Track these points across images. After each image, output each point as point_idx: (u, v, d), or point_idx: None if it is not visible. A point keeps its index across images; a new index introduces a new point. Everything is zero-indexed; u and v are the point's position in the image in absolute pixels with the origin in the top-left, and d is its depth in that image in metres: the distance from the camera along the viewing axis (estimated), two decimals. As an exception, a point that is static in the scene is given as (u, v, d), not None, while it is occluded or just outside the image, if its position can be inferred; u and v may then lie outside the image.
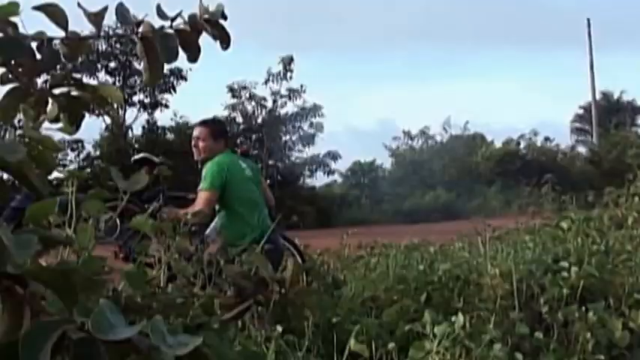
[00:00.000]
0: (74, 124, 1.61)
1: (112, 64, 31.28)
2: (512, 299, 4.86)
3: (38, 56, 1.53)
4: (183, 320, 1.92)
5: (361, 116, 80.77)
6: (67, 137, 2.03)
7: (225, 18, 1.75)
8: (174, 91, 32.70)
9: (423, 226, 20.88)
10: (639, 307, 5.03)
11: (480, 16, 72.88)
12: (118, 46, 30.21)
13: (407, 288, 5.23)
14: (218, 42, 1.77)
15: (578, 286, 5.03)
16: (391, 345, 4.04)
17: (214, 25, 1.73)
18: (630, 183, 9.63)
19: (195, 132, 5.84)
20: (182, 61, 1.73)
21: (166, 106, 33.29)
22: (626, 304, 5.09)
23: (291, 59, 33.79)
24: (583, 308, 4.76)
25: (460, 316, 3.98)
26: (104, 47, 30.20)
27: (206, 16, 1.72)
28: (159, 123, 33.48)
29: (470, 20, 73.09)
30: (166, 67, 1.82)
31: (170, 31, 1.66)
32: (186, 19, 1.68)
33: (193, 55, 1.73)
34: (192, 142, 5.79)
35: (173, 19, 1.66)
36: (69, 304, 1.06)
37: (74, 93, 1.60)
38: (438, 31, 74.26)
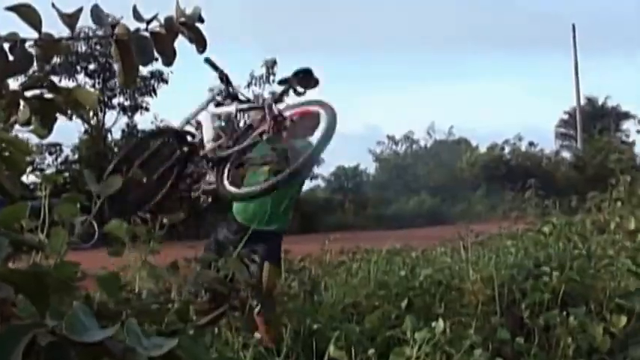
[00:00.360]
0: (46, 127, 1.61)
1: (92, 66, 31.01)
2: (494, 304, 4.90)
3: (11, 58, 1.53)
4: (158, 327, 1.92)
5: (346, 120, 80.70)
6: (45, 140, 2.04)
7: (202, 21, 1.76)
8: (155, 93, 32.51)
9: (407, 231, 20.90)
10: (620, 311, 5.07)
11: (466, 20, 73.16)
12: (98, 47, 29.99)
13: (388, 294, 5.25)
14: (194, 45, 1.78)
15: (559, 290, 5.08)
16: (371, 351, 4.05)
17: (191, 28, 1.74)
18: (613, 188, 9.70)
19: None
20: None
21: (147, 109, 33.08)
22: (607, 308, 5.13)
23: (274, 62, 33.75)
24: (564, 313, 4.80)
25: (440, 321, 4.00)
26: (84, 49, 29.99)
27: (182, 19, 1.72)
28: (139, 126, 33.28)
29: (455, 25, 73.31)
30: (147, 69, 1.82)
31: (146, 33, 1.67)
32: (163, 21, 1.69)
33: (169, 59, 1.74)
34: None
35: (149, 22, 1.66)
36: (41, 308, 1.06)
37: (47, 96, 1.61)
38: (423, 35, 74.52)
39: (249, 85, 34.03)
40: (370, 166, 44.10)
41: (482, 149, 42.72)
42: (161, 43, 1.69)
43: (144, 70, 29.33)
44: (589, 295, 5.31)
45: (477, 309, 4.84)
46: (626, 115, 49.87)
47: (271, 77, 33.79)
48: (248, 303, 2.02)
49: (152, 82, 31.94)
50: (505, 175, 36.84)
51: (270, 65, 33.69)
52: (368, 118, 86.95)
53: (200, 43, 1.78)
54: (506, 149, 42.80)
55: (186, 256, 2.55)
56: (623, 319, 4.98)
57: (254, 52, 63.48)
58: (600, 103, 50.31)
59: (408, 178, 40.02)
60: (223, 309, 2.09)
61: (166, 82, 32.15)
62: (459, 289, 5.13)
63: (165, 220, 2.35)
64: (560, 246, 6.23)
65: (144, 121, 33.64)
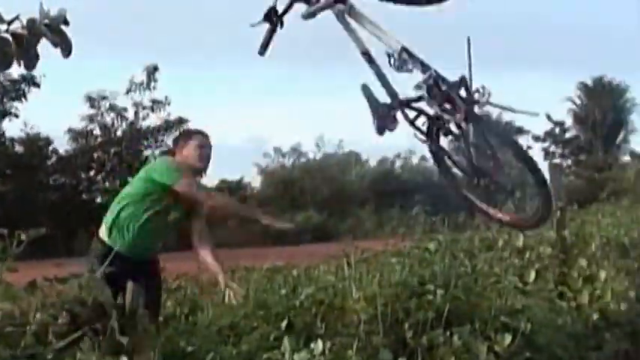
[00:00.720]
0: None
1: (-46, 68, 29.87)
2: (376, 324, 4.96)
3: None
4: (13, 351, 1.87)
5: (231, 132, 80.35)
6: None
7: (67, 23, 1.74)
8: (25, 99, 31.64)
9: (292, 248, 21.01)
10: (505, 330, 5.24)
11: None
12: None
13: (267, 314, 5.25)
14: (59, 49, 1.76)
15: (443, 309, 5.19)
16: (246, 375, 4.06)
17: (55, 30, 1.72)
18: (502, 204, 9.97)
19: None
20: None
21: (16, 116, 32.16)
22: (492, 327, 5.28)
23: (155, 68, 33.38)
24: (448, 332, 4.92)
25: (320, 342, 4.04)
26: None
27: (46, 21, 1.70)
28: (7, 133, 32.32)
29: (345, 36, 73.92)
30: (17, 72, 1.79)
31: (6, 35, 1.64)
32: (25, 23, 1.67)
33: (30, 62, 1.72)
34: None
35: (10, 23, 1.64)
36: None
37: None
38: (314, 46, 74.80)
39: (128, 92, 33.62)
40: (255, 180, 43.99)
41: (373, 163, 43.34)
42: (23, 46, 1.67)
43: (14, 73, 28.54)
44: (474, 314, 5.45)
45: (359, 329, 4.90)
46: (520, 130, 51.53)
47: (152, 83, 33.42)
48: (111, 325, 1.99)
49: (22, 86, 31.10)
50: (396, 190, 37.42)
51: (151, 71, 33.33)
52: (254, 129, 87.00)
53: (65, 47, 1.76)
54: (398, 163, 43.55)
55: (47, 275, 2.49)
56: (508, 338, 5.14)
57: (116, 59, 62.50)
58: (494, 117, 51.86)
59: (294, 192, 40.17)
60: (83, 332, 2.06)
61: (38, 86, 31.36)
62: (341, 308, 5.18)
63: (23, 237, 2.30)
64: (446, 263, 6.35)
65: (12, 128, 32.77)
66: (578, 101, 50.94)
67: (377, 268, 6.35)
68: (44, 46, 1.76)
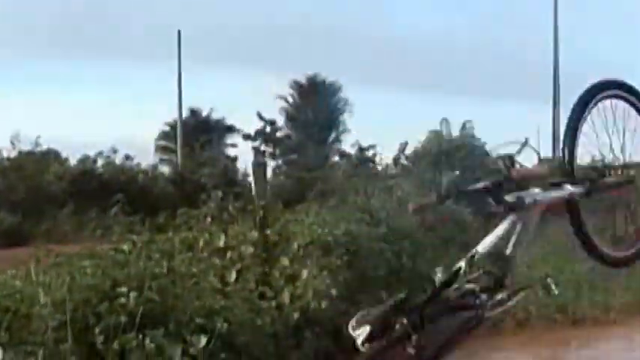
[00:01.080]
0: None
1: None
2: (65, 330, 4.95)
3: None
4: None
5: None
6: None
7: None
8: None
9: (-19, 254, 20.08)
10: (201, 331, 5.43)
11: (65, 25, 71.36)
12: None
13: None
14: None
15: (136, 312, 5.27)
16: None
17: None
18: (204, 204, 10.20)
19: None
20: None
21: None
22: (187, 329, 5.44)
23: None
24: (141, 336, 5.01)
25: (0, 352, 4.00)
26: None
27: None
28: None
29: (44, 25, 71.35)
30: None
31: None
32: None
33: None
34: None
35: None
36: None
37: None
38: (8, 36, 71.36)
39: None
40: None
41: (73, 161, 42.20)
42: None
43: None
44: (169, 316, 5.57)
45: (46, 336, 4.87)
46: (232, 129, 52.20)
47: None
48: None
49: None
50: (97, 190, 36.67)
51: None
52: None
53: None
54: (100, 162, 42.66)
55: None
56: (204, 340, 5.34)
57: None
58: (205, 115, 52.16)
59: (-16, 193, 38.26)
60: None
61: None
62: (27, 315, 5.11)
63: None
64: (141, 265, 6.40)
65: None
66: (290, 100, 52.54)
67: (69, 272, 6.30)
68: None
